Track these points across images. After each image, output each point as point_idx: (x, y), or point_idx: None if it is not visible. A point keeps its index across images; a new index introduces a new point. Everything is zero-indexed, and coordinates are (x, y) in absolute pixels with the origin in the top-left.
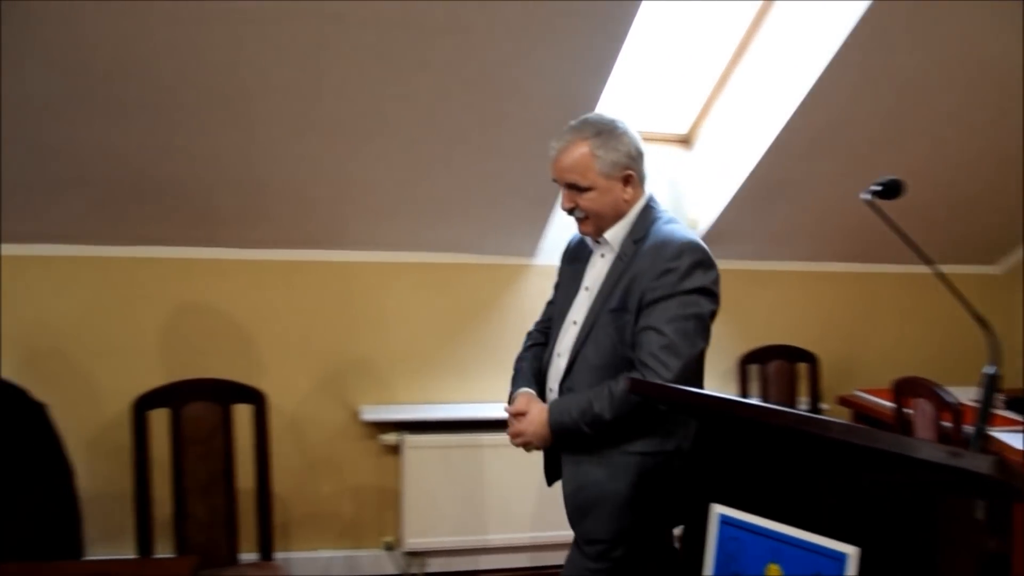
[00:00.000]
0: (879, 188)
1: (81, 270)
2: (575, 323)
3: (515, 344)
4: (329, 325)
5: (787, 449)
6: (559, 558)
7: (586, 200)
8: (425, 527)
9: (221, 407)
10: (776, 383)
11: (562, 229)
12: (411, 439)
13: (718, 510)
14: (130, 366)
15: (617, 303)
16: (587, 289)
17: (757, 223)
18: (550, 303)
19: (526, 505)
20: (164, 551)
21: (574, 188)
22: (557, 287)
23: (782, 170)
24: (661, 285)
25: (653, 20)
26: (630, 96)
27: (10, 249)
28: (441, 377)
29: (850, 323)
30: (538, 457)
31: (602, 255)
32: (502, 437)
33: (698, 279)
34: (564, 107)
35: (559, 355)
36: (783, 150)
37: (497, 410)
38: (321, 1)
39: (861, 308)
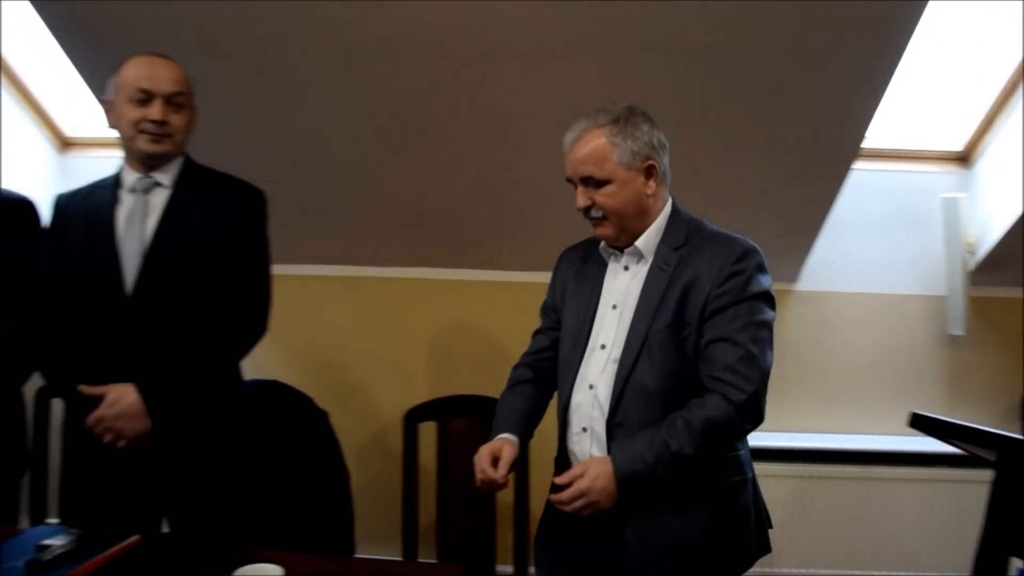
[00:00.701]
0: None
1: (360, 289)
2: (603, 347)
3: (774, 371)
4: None
5: None
6: None
7: (604, 196)
8: None
9: (483, 423)
10: None
11: (827, 254)
12: None
13: (1018, 565)
14: (401, 379)
15: (672, 318)
16: (615, 307)
17: None
18: (541, 332)
19: (773, 538)
20: (426, 556)
21: (590, 183)
22: (551, 310)
23: None
24: (729, 291)
25: (929, 33)
26: (901, 112)
27: (299, 269)
28: None
29: None
30: (792, 488)
31: (626, 267)
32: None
33: (764, 283)
34: (834, 128)
35: (591, 387)
36: None
37: (777, 439)
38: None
39: None
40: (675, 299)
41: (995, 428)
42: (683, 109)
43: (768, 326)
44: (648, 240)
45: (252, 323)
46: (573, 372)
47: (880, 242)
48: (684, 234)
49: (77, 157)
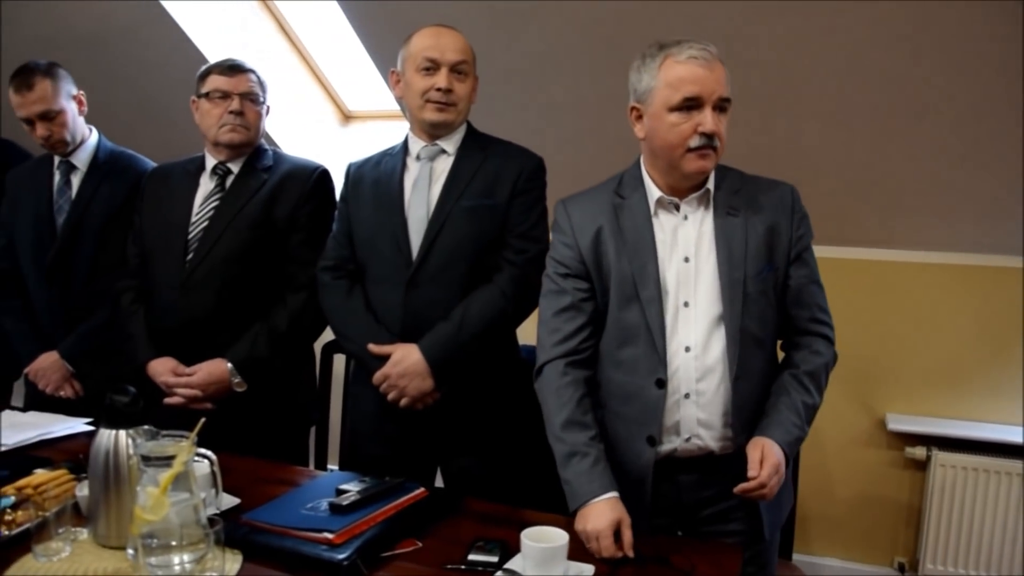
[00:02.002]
0: None
1: None
2: (687, 305)
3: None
4: (861, 325)
5: None
6: None
7: (724, 126)
8: (946, 553)
9: None
10: None
11: None
12: (942, 456)
13: None
14: None
15: (764, 263)
16: (687, 260)
17: None
18: (569, 307)
19: None
20: None
21: (722, 109)
22: (576, 277)
23: None
24: (805, 232)
25: None
26: None
27: None
28: (982, 393)
29: None
30: None
31: (685, 217)
32: None
33: None
34: None
35: (687, 349)
36: None
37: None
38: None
39: None
40: (759, 243)
41: None
42: (948, 73)
43: None
44: (712, 184)
45: (530, 287)
46: (657, 338)
47: None
48: (737, 178)
49: (356, 129)
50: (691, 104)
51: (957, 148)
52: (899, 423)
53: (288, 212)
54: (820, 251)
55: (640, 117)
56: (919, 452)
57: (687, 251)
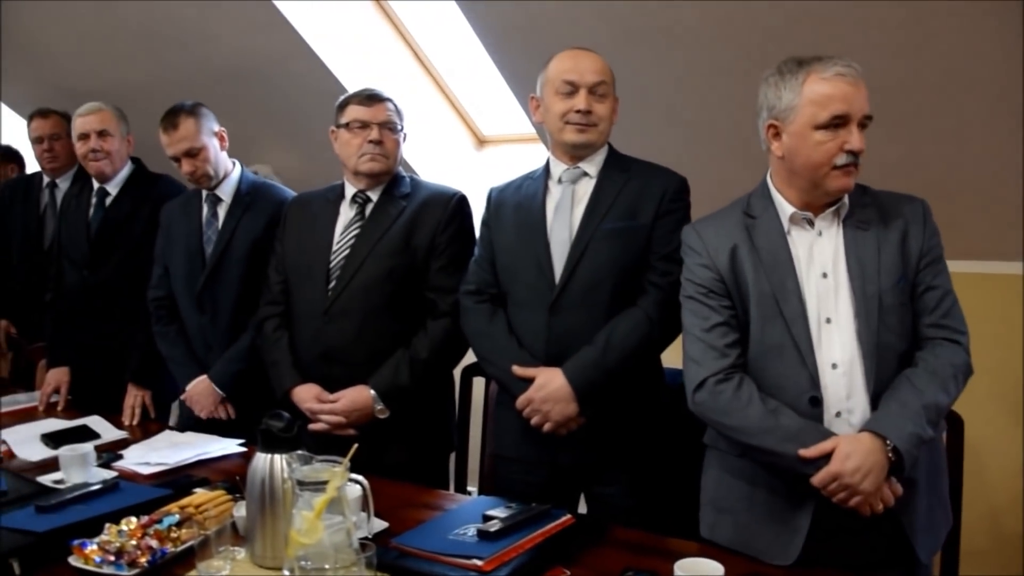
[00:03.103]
0: None
1: None
2: (829, 321)
3: None
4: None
5: None
6: None
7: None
8: None
9: None
10: None
11: None
12: None
13: None
14: None
15: (897, 276)
16: (825, 276)
17: None
18: (721, 324)
19: None
20: None
21: (864, 126)
22: (722, 296)
23: None
24: (937, 243)
25: None
26: None
27: None
28: None
29: None
30: None
31: (819, 233)
32: None
33: None
34: None
35: (834, 366)
36: None
37: None
38: None
39: None
40: (893, 256)
41: None
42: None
43: None
44: (845, 199)
45: (676, 310)
46: (805, 355)
47: None
48: (865, 193)
49: (491, 153)
50: (838, 122)
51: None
52: None
53: (428, 239)
54: (977, 266)
55: (778, 135)
56: None
57: (824, 267)
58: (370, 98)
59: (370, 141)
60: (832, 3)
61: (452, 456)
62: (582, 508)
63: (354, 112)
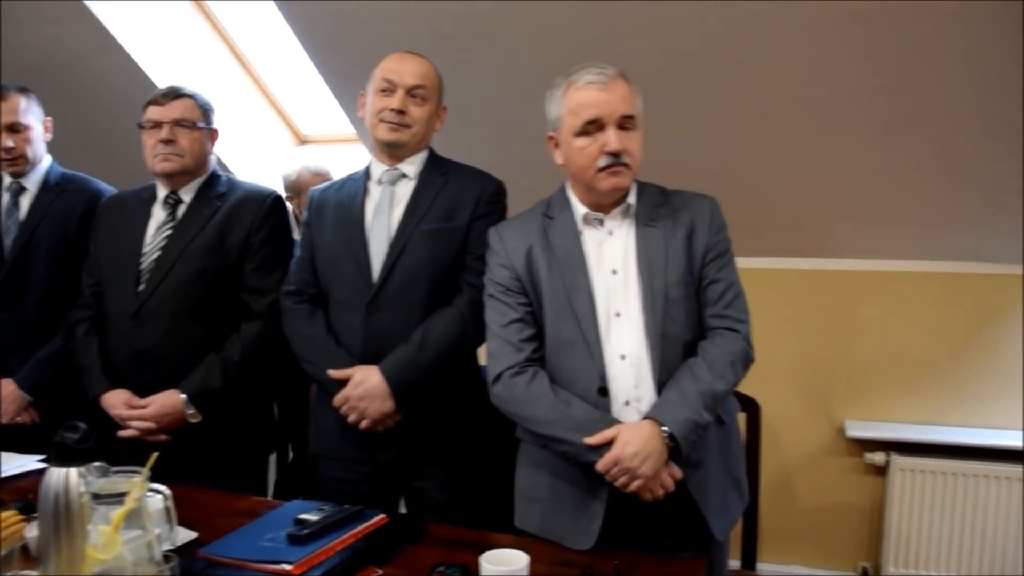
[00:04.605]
0: None
1: None
2: (618, 315)
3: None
4: (817, 334)
5: None
6: None
7: (633, 142)
8: (908, 557)
9: None
10: None
11: None
12: (900, 460)
13: None
14: None
15: (682, 270)
16: (615, 272)
17: None
18: (517, 320)
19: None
20: None
21: (627, 124)
22: (518, 293)
23: None
24: (723, 239)
25: None
26: None
27: None
28: (937, 396)
29: None
30: None
31: (610, 232)
32: (1005, 468)
33: None
34: None
35: (623, 357)
36: None
37: (1001, 438)
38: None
39: None
40: (679, 251)
41: None
42: (919, 88)
43: None
44: (633, 198)
45: None
46: (593, 349)
47: None
48: (657, 192)
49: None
50: (593, 127)
51: (922, 162)
52: (857, 430)
53: (241, 239)
54: (778, 263)
55: (557, 145)
56: (878, 458)
57: (614, 264)
58: (165, 95)
59: (160, 141)
60: (660, 4)
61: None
62: (406, 507)
63: (149, 112)
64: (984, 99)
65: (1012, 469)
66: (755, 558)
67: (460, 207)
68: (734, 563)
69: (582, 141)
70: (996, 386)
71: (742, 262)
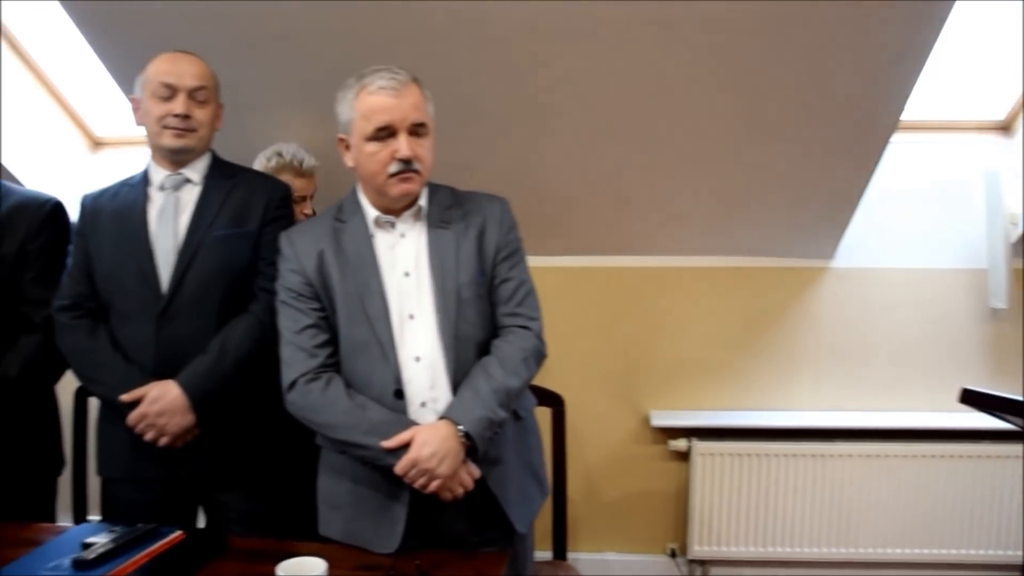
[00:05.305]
0: None
1: None
2: (412, 317)
3: (813, 350)
4: (620, 330)
5: None
6: None
7: (425, 148)
8: (711, 535)
9: None
10: None
11: (864, 229)
12: (700, 445)
13: None
14: None
15: (474, 270)
16: (408, 275)
17: None
18: (312, 326)
19: (816, 519)
20: None
21: (418, 131)
22: (311, 298)
23: None
24: (514, 238)
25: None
26: (940, 82)
27: None
28: (733, 383)
29: None
30: (835, 468)
31: (402, 234)
32: (795, 447)
33: None
34: (872, 101)
35: (417, 359)
36: None
37: (792, 418)
38: (611, 2)
39: None
40: (471, 251)
41: None
42: (715, 87)
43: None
44: (424, 201)
45: None
46: (387, 351)
47: (919, 216)
48: (449, 194)
49: (108, 156)
50: (384, 133)
51: (715, 162)
52: (661, 419)
53: (16, 248)
54: (582, 261)
55: (348, 147)
56: (681, 444)
57: (407, 266)
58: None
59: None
60: (449, 4)
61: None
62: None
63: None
64: (775, 100)
65: (803, 447)
66: (565, 548)
67: (250, 212)
68: (546, 554)
69: (373, 146)
70: (790, 371)
71: (545, 261)
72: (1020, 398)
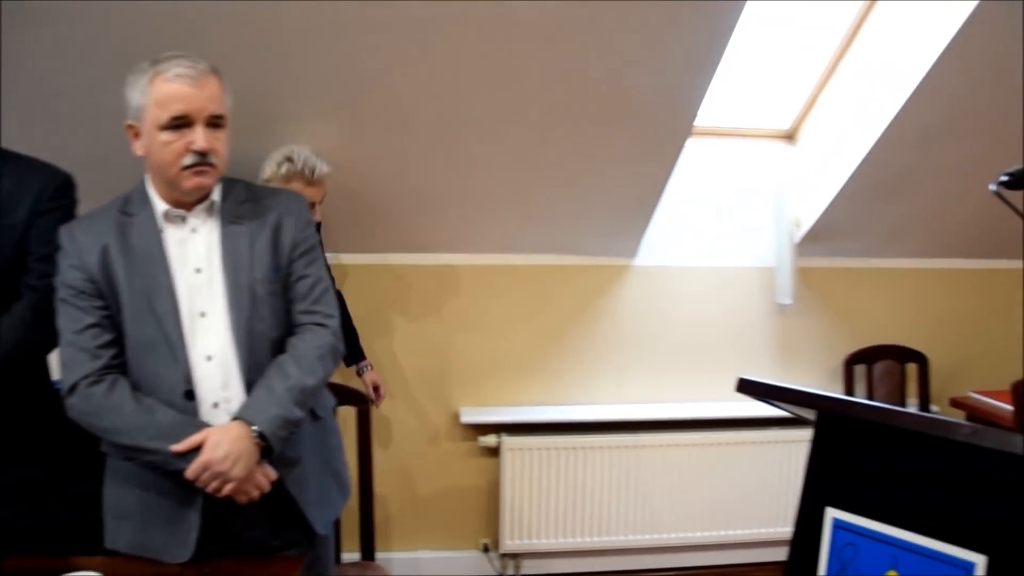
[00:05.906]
0: (1008, 179)
1: None
2: (203, 315)
3: (616, 345)
4: (429, 327)
5: (908, 452)
6: (655, 562)
7: (221, 141)
8: (522, 529)
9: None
10: (884, 384)
11: (663, 228)
12: (509, 441)
13: (832, 514)
14: None
15: (268, 266)
16: (199, 271)
17: (864, 219)
18: (94, 325)
19: (622, 508)
20: None
21: (215, 125)
22: (93, 296)
23: (892, 165)
24: (311, 234)
25: (756, 15)
26: (731, 92)
27: None
28: (541, 379)
29: (964, 322)
30: (639, 458)
31: (193, 229)
32: (601, 439)
33: None
34: (668, 106)
35: (208, 358)
36: (893, 143)
37: (597, 412)
38: (432, 2)
39: (977, 306)
40: (266, 247)
41: (820, 389)
42: (518, 86)
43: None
44: (218, 195)
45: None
46: (176, 350)
47: (714, 217)
48: (244, 189)
49: None
50: (180, 123)
51: (522, 160)
52: (471, 416)
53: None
54: (390, 259)
55: (138, 135)
56: (491, 440)
57: (198, 262)
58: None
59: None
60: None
61: None
62: None
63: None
64: (575, 100)
65: (608, 439)
66: (373, 548)
67: (16, 203)
68: (355, 555)
69: (167, 136)
70: (595, 366)
71: (352, 258)
72: (789, 386)
